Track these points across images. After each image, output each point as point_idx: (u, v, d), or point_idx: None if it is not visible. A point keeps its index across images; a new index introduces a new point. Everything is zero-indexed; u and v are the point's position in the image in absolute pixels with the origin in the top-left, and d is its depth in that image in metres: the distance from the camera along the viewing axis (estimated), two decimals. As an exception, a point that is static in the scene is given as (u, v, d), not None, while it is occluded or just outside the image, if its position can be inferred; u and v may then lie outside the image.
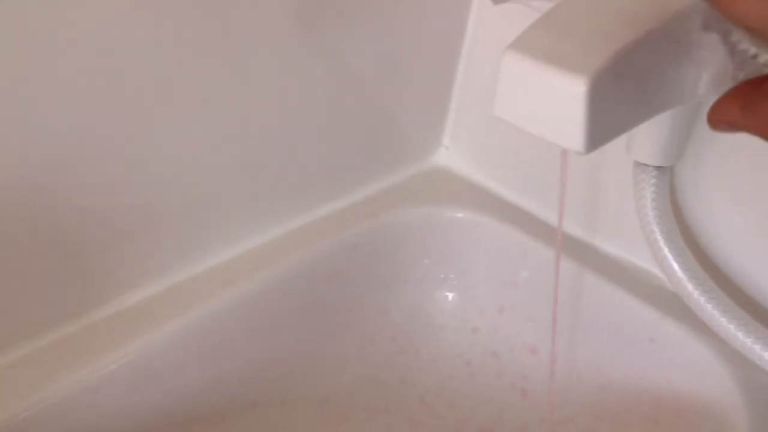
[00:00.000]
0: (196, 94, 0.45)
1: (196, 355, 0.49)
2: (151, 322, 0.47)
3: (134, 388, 0.46)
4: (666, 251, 0.44)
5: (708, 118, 0.30)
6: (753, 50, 0.28)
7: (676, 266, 0.44)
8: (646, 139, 0.42)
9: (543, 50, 0.32)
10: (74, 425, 0.44)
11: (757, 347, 0.42)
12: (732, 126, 0.29)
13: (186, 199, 0.48)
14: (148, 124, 0.44)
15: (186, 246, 0.50)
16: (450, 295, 0.59)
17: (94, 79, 0.40)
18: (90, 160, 0.42)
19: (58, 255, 0.44)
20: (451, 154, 0.63)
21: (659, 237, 0.44)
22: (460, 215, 0.58)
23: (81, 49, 0.39)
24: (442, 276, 0.59)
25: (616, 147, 0.44)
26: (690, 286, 0.44)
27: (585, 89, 0.31)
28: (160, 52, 0.42)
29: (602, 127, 0.32)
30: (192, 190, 0.48)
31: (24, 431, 0.42)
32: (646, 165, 0.43)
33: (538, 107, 0.33)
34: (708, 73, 0.35)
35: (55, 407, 0.43)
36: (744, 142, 0.43)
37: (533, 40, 0.33)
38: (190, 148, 0.46)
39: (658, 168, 0.43)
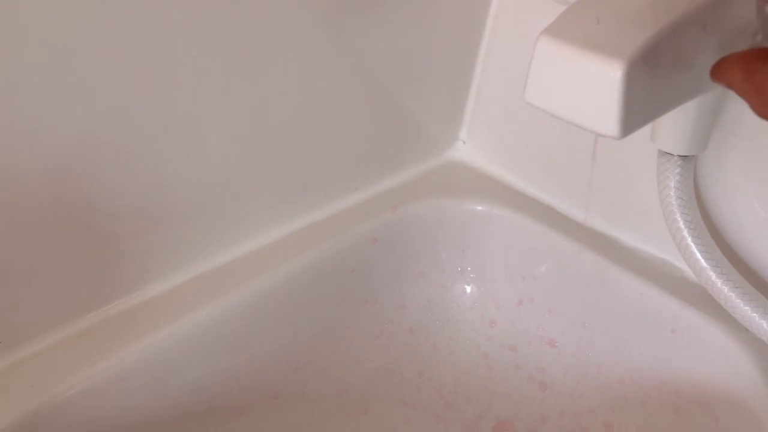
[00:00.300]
0: (216, 89, 0.45)
1: (217, 348, 0.49)
2: (174, 314, 0.47)
3: (157, 380, 0.46)
4: (689, 240, 0.44)
5: (711, 70, 0.31)
6: None
7: (699, 255, 0.44)
8: (672, 128, 0.42)
9: (578, 36, 0.33)
10: (98, 415, 0.44)
11: (781, 336, 0.42)
12: (729, 86, 0.30)
13: (209, 193, 0.48)
14: (169, 120, 0.44)
15: (208, 239, 0.50)
16: (468, 288, 0.59)
17: (113, 78, 0.40)
18: (112, 158, 0.42)
19: (82, 249, 0.44)
20: (468, 148, 0.63)
21: (682, 226, 0.44)
22: (478, 208, 0.58)
23: (98, 47, 0.39)
24: (459, 269, 0.59)
25: (639, 137, 0.44)
26: (713, 275, 0.44)
27: (621, 74, 0.31)
28: (177, 47, 0.42)
29: (636, 112, 0.32)
30: (214, 184, 0.48)
31: (48, 421, 0.42)
32: (670, 154, 0.43)
33: (572, 93, 0.33)
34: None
35: (80, 397, 0.43)
36: (763, 131, 0.44)
37: (567, 25, 0.33)
38: (213, 143, 0.47)
39: (683, 157, 0.43)
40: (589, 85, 0.32)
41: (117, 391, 0.44)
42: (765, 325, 0.43)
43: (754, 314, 0.43)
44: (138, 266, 0.47)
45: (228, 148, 0.48)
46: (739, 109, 0.44)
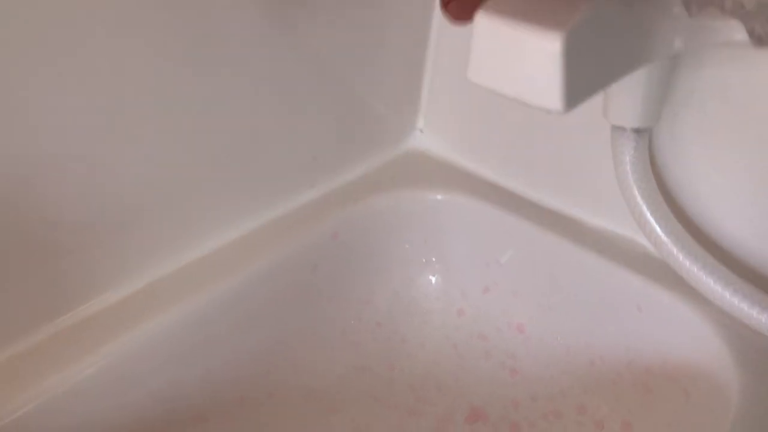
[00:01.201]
0: (163, 89, 0.44)
1: (178, 354, 0.47)
2: (131, 323, 0.46)
3: (115, 391, 0.45)
4: (648, 215, 0.43)
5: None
6: None
7: (658, 229, 0.43)
8: (623, 101, 0.42)
9: (516, 10, 0.32)
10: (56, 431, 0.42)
11: (744, 305, 0.42)
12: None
13: (159, 197, 0.47)
14: (115, 125, 0.43)
15: (162, 244, 0.49)
16: (433, 279, 0.59)
17: (54, 85, 0.39)
18: (57, 165, 0.41)
19: (30, 260, 0.43)
20: (426, 137, 0.62)
21: (640, 201, 0.43)
22: (438, 197, 0.57)
23: (34, 56, 0.38)
24: (424, 260, 0.59)
25: (593, 113, 0.44)
26: (675, 249, 0.43)
27: (560, 45, 0.30)
28: (118, 47, 0.41)
29: (579, 84, 0.32)
30: (165, 187, 0.47)
31: (2, 441, 0.40)
32: (623, 128, 0.43)
33: (513, 68, 0.32)
34: (683, 27, 0.34)
35: (33, 414, 0.41)
36: (720, 100, 0.43)
37: (506, 1, 0.33)
38: (159, 144, 0.45)
39: (636, 131, 0.42)
40: (529, 59, 0.31)
41: (74, 406, 0.43)
42: (728, 296, 0.42)
43: (717, 286, 0.42)
44: (91, 276, 0.46)
45: (176, 148, 0.46)
46: (691, 78, 0.43)
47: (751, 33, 0.28)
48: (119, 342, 0.45)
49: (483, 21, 0.32)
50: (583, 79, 0.32)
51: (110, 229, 0.45)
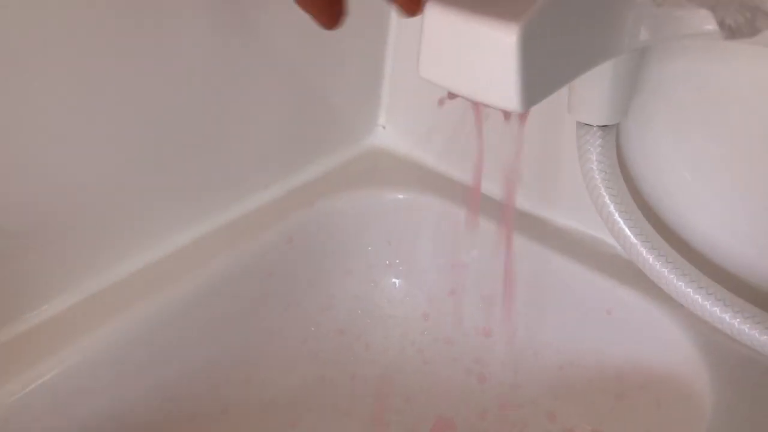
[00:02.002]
0: (106, 89, 0.41)
1: (123, 369, 0.44)
2: (75, 334, 0.43)
3: (56, 409, 0.42)
4: (616, 215, 0.41)
5: None
6: None
7: (627, 230, 0.41)
8: (588, 97, 0.39)
9: (468, 1, 0.29)
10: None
11: (717, 309, 0.40)
12: None
13: (103, 201, 0.44)
14: (58, 128, 0.40)
15: (108, 251, 0.46)
16: (397, 282, 0.56)
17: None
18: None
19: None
20: (388, 134, 0.59)
21: (608, 201, 0.41)
22: (401, 196, 0.55)
23: None
24: (387, 262, 0.56)
25: (558, 109, 0.42)
26: (644, 251, 0.41)
27: (517, 38, 0.28)
28: (64, 48, 0.38)
29: (538, 80, 0.29)
30: (109, 191, 0.44)
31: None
32: (589, 125, 0.40)
33: (466, 64, 0.29)
34: (647, 19, 0.32)
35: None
36: (690, 94, 0.41)
37: (457, -10, 0.30)
38: (104, 147, 0.42)
39: (603, 127, 0.40)
40: (483, 54, 0.29)
41: (19, 421, 0.40)
42: (700, 299, 0.40)
43: (688, 289, 0.41)
44: (33, 285, 0.43)
45: (121, 150, 0.43)
46: (659, 71, 0.41)
47: (721, 24, 0.26)
48: (61, 355, 0.42)
49: (433, 12, 0.30)
50: (542, 76, 0.29)
51: (53, 236, 0.42)
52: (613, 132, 0.41)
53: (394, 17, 0.55)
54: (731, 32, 0.26)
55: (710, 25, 0.29)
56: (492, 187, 0.54)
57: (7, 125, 0.38)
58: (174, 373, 0.47)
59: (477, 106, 0.33)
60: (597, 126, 0.40)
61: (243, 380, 0.50)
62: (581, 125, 0.41)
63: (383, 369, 0.55)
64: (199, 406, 0.48)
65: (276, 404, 0.51)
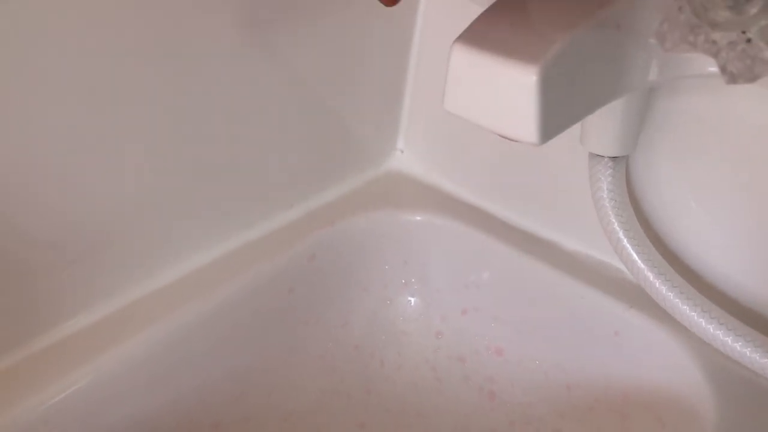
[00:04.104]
0: (139, 109, 0.43)
1: (151, 379, 0.46)
2: (101, 348, 0.45)
3: (85, 419, 0.43)
4: (625, 242, 0.43)
5: None
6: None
7: (635, 256, 0.44)
8: (600, 130, 0.42)
9: (492, 41, 0.32)
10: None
11: (720, 333, 0.42)
12: None
13: (134, 217, 0.46)
14: (90, 144, 0.42)
15: (137, 265, 0.48)
16: (412, 300, 0.58)
17: (31, 100, 0.38)
18: (30, 182, 0.40)
19: (1, 281, 0.41)
20: (406, 158, 0.62)
21: (617, 228, 0.43)
22: (418, 218, 0.57)
23: (11, 72, 0.37)
24: (403, 281, 0.58)
25: (571, 140, 0.44)
26: (651, 276, 0.43)
27: (536, 78, 0.30)
28: (99, 67, 0.40)
29: (555, 116, 0.31)
30: (139, 207, 0.46)
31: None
32: (601, 156, 0.43)
33: (488, 99, 0.32)
34: (657, 58, 0.35)
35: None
36: (695, 128, 0.44)
37: (481, 31, 0.33)
38: (135, 165, 0.45)
39: (613, 159, 0.43)
40: (504, 92, 0.31)
41: (51, 428, 0.41)
42: (704, 323, 0.42)
43: (693, 313, 0.43)
44: (60, 299, 0.45)
45: (152, 169, 0.46)
46: (666, 106, 0.44)
47: (723, 69, 0.28)
48: (92, 366, 0.44)
49: (459, 52, 0.32)
50: (558, 112, 0.32)
51: (84, 249, 0.44)
52: (623, 163, 0.43)
53: (415, 46, 0.58)
54: (732, 77, 0.28)
55: (713, 68, 0.31)
56: (504, 211, 0.57)
57: (44, 142, 0.39)
58: (199, 382, 0.49)
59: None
60: (608, 157, 0.42)
61: (264, 392, 0.52)
62: (593, 156, 0.43)
63: (397, 385, 0.56)
64: (222, 415, 0.50)
65: (295, 414, 0.53)
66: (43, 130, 0.39)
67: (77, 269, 0.44)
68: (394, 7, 0.55)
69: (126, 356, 0.45)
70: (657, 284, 0.43)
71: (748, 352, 0.41)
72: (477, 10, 0.41)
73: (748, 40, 0.28)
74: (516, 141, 0.32)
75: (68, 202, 0.42)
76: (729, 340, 0.42)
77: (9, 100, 0.37)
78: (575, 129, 0.43)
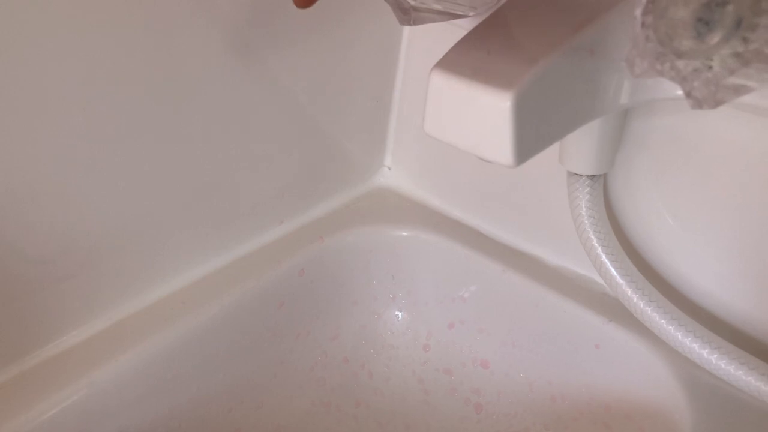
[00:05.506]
0: (130, 126, 0.44)
1: (143, 393, 0.47)
2: (95, 362, 0.46)
3: (84, 427, 0.44)
4: (603, 257, 0.45)
5: None
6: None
7: (613, 271, 0.45)
8: (577, 150, 0.43)
9: (469, 67, 0.33)
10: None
11: (695, 345, 0.43)
12: None
13: (126, 234, 0.47)
14: (84, 161, 0.43)
15: (129, 282, 0.49)
16: (400, 314, 0.59)
17: (28, 117, 0.39)
18: (25, 198, 0.41)
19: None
20: (393, 174, 0.63)
21: (596, 244, 0.45)
22: (405, 234, 0.58)
23: (8, 87, 0.38)
24: (391, 295, 0.59)
25: (551, 159, 0.45)
26: (629, 291, 0.45)
27: (510, 104, 0.31)
28: (91, 85, 0.41)
29: (530, 139, 0.33)
30: (131, 224, 0.47)
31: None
32: (579, 175, 0.44)
33: (466, 123, 0.33)
34: (629, 82, 0.36)
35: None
36: (670, 146, 0.45)
37: (458, 58, 0.34)
38: (127, 182, 0.46)
39: (591, 177, 0.44)
40: (481, 116, 0.32)
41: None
42: (680, 336, 0.44)
43: (670, 327, 0.44)
44: (52, 316, 0.46)
45: (143, 185, 0.47)
46: (642, 126, 0.45)
47: (689, 95, 0.30)
48: (85, 381, 0.45)
49: (437, 77, 0.34)
50: (533, 135, 0.33)
51: (76, 266, 0.45)
52: (600, 181, 0.45)
53: (402, 64, 0.59)
54: (698, 102, 0.30)
55: (681, 91, 0.33)
56: (490, 227, 0.58)
57: (36, 161, 0.40)
58: (190, 397, 0.50)
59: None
60: (586, 176, 0.44)
61: (255, 405, 0.53)
62: (571, 174, 0.45)
63: (385, 397, 0.58)
64: (214, 428, 0.51)
65: (285, 427, 0.54)
66: (36, 148, 0.40)
67: (69, 286, 0.45)
68: (382, 30, 0.57)
69: (118, 371, 0.46)
70: (635, 299, 0.45)
71: (723, 364, 0.42)
72: (460, 33, 0.42)
73: (710, 68, 0.29)
74: (492, 163, 0.33)
75: (61, 219, 0.43)
76: (705, 352, 0.43)
77: (1, 120, 0.38)
78: (554, 148, 0.44)
